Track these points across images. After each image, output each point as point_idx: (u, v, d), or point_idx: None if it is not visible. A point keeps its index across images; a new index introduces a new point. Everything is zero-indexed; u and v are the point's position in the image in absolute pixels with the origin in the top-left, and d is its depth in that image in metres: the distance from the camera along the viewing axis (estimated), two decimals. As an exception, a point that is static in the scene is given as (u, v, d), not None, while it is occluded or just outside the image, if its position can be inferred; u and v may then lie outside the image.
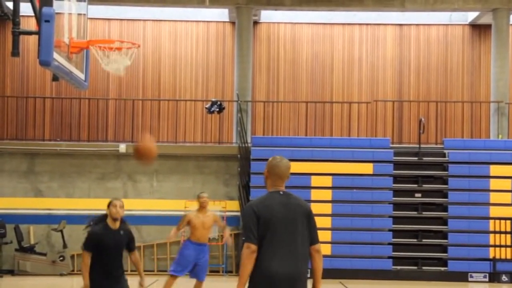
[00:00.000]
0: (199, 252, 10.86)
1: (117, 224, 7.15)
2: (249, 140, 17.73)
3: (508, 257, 16.26)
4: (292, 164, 18.13)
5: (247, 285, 4.93)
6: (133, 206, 17.40)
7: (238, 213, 17.12)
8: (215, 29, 19.55)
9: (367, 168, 17.01)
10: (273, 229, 4.87)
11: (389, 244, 16.55)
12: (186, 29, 19.55)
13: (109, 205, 7.19)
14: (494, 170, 16.93)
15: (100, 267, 7.04)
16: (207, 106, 17.42)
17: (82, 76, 11.72)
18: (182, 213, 17.15)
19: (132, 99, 18.90)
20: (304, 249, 4.94)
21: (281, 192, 5.06)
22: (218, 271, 17.08)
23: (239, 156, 17.20)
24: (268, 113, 18.94)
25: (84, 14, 11.57)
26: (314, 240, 4.98)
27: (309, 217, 5.01)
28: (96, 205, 17.45)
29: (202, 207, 10.89)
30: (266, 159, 18.01)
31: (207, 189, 17.71)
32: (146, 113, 19.08)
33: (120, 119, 19.04)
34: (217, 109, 17.18)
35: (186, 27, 19.55)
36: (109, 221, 7.10)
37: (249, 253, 4.85)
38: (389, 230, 16.69)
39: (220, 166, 17.73)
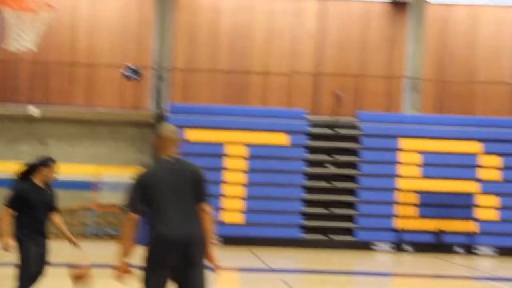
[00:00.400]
0: None
1: (44, 184, 6.85)
2: (166, 107, 17.73)
3: (413, 228, 16.91)
4: (208, 132, 18.37)
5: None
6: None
7: None
8: (135, -7, 19.36)
9: (282, 139, 17.32)
10: (160, 195, 4.92)
11: (300, 213, 16.96)
12: (105, -8, 19.31)
13: (47, 165, 6.76)
14: (405, 143, 17.48)
15: (28, 225, 6.72)
16: (124, 71, 17.33)
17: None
18: (95, 178, 17.20)
19: (45, 62, 18.61)
20: (195, 212, 4.98)
21: (170, 159, 5.07)
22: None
23: (154, 123, 17.14)
24: (186, 81, 18.92)
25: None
26: (201, 200, 5.02)
27: (200, 182, 5.04)
28: (5, 168, 17.33)
29: None
30: (183, 127, 17.83)
31: (121, 155, 17.70)
32: (60, 76, 18.72)
33: (33, 82, 18.71)
34: (134, 75, 17.18)
35: (104, -11, 19.31)
36: (37, 179, 6.77)
37: (130, 221, 4.94)
38: (301, 200, 17.11)
39: (135, 133, 17.71)
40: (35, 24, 13.37)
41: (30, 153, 17.39)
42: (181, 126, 16.95)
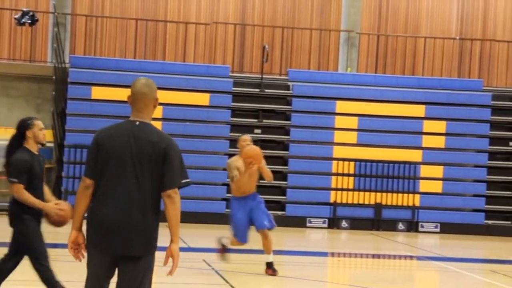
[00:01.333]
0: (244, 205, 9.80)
1: (37, 148, 6.85)
2: (66, 59, 17.16)
3: (349, 201, 16.57)
4: (117, 90, 17.43)
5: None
6: None
7: (52, 144, 16.62)
8: None
9: (203, 99, 16.82)
10: (110, 165, 4.62)
11: (223, 184, 16.32)
12: None
13: (29, 126, 6.73)
14: (340, 106, 17.14)
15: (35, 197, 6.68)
16: (16, 16, 16.49)
17: None
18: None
19: None
20: (146, 194, 4.60)
21: (137, 123, 4.68)
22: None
23: (54, 78, 16.62)
24: (91, 30, 18.23)
25: None
26: (165, 184, 4.61)
27: (165, 157, 4.61)
28: None
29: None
30: (86, 83, 17.31)
31: (15, 114, 16.67)
32: None
33: None
34: (29, 21, 16.36)
35: None
36: (30, 146, 6.73)
37: (83, 187, 4.68)
38: (224, 169, 16.51)
39: (31, 89, 17.16)
40: None
41: None
42: (84, 83, 16.61)
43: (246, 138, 10.01)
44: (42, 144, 6.84)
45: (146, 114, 4.73)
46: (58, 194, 15.79)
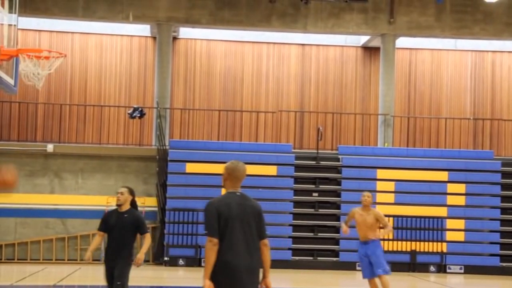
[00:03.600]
0: (366, 250, 9.52)
1: (122, 209, 7.23)
2: (167, 143, 17.54)
3: (389, 249, 16.49)
4: (206, 165, 18.15)
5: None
6: (59, 201, 17.03)
7: (156, 209, 16.98)
8: (138, 43, 19.26)
9: (272, 170, 17.09)
10: (231, 225, 4.91)
11: (289, 237, 16.71)
12: (111, 42, 19.17)
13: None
14: (380, 173, 17.27)
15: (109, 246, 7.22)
16: (129, 111, 17.21)
17: (11, 81, 11.39)
18: (105, 208, 16.86)
19: (60, 104, 18.37)
20: (256, 243, 4.98)
21: (237, 193, 5.09)
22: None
23: (157, 157, 17.03)
24: (184, 119, 18.81)
25: (15, 25, 11.24)
26: (262, 235, 5.04)
27: (260, 216, 5.06)
28: (24, 200, 16.99)
29: (364, 205, 9.49)
30: (183, 161, 17.90)
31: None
32: (73, 116, 18.59)
33: (48, 122, 18.49)
34: (139, 115, 17.01)
35: (111, 40, 19.17)
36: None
37: (212, 245, 4.87)
38: (289, 225, 16.85)
39: (140, 166, 17.50)
40: (49, 67, 13.18)
41: (46, 185, 17.15)
42: (180, 160, 16.98)
43: (366, 193, 9.69)
44: (118, 205, 7.25)
45: (239, 186, 5.15)
46: (161, 248, 16.31)
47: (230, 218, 4.93)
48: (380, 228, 9.74)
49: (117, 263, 7.04)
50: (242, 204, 5.01)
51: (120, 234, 7.09)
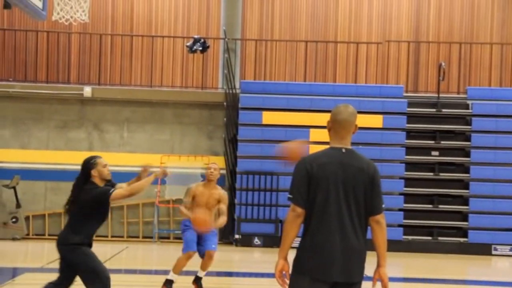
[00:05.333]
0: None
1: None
2: (237, 85, 17.65)
3: None
4: (289, 114, 18.12)
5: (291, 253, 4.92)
6: (100, 160, 17.23)
7: (223, 171, 17.06)
8: (199, -48, 19.16)
9: (376, 121, 17.00)
10: (326, 193, 4.82)
11: (400, 210, 16.52)
12: (165, -48, 19.15)
13: (93, 166, 7.22)
14: None
15: (92, 229, 7.24)
16: (188, 44, 17.27)
17: (39, 3, 11.37)
18: (157, 169, 16.99)
19: (99, 34, 18.55)
20: (361, 220, 4.87)
21: (343, 150, 4.92)
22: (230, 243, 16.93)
23: (225, 104, 17.19)
24: (260, 54, 18.78)
25: None
26: (374, 209, 4.88)
27: (373, 184, 4.89)
28: (55, 158, 17.33)
29: (209, 180, 9.96)
30: (257, 108, 17.97)
31: (188, 142, 17.66)
32: (116, 51, 18.78)
33: (85, 58, 18.74)
34: (200, 48, 17.08)
35: (164, -51, 19.15)
36: (97, 181, 7.21)
37: (295, 216, 4.84)
38: (400, 194, 16.69)
39: (203, 116, 17.70)
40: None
41: (83, 140, 17.45)
42: (255, 108, 17.07)
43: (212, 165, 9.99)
44: (108, 181, 7.19)
45: (348, 140, 4.97)
46: (231, 221, 16.43)
47: (325, 184, 4.82)
48: None
49: None
50: (347, 166, 4.85)
51: None
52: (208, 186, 9.87)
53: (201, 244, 9.83)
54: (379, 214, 4.87)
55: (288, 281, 4.86)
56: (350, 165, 4.85)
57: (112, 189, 7.14)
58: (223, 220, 9.76)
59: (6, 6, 9.94)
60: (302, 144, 5.69)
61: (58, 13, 12.96)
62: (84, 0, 14.25)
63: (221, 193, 9.97)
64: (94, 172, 7.17)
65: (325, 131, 15.24)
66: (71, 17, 14.91)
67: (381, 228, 4.88)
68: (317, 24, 19.12)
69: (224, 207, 9.93)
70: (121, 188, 7.30)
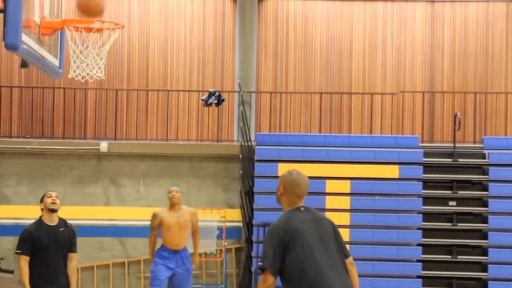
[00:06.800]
0: (177, 260, 10.76)
1: (55, 219, 7.24)
2: (252, 138, 17.72)
3: None
4: (304, 166, 18.20)
5: None
6: (116, 215, 17.41)
7: (240, 224, 17.15)
8: (213, 6, 19.51)
9: (392, 172, 16.96)
10: (308, 249, 5.10)
11: (418, 261, 16.51)
12: (179, 6, 19.51)
13: (42, 198, 7.38)
14: None
15: (39, 271, 7.12)
16: (203, 97, 17.45)
17: (56, 62, 11.72)
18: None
19: (115, 89, 18.85)
20: (342, 263, 5.21)
21: (302, 209, 5.37)
22: (216, 293, 17.07)
23: (241, 156, 17.20)
24: (275, 106, 18.97)
25: (59, -10, 11.55)
26: (346, 252, 5.32)
27: (335, 230, 5.34)
28: (72, 214, 17.46)
29: (172, 204, 10.93)
30: (273, 160, 18.00)
31: (204, 194, 17.68)
32: (132, 106, 19.04)
33: (101, 113, 18.99)
34: (215, 101, 17.25)
35: (178, 3, 19.52)
36: (44, 216, 7.21)
37: (265, 284, 5.10)
38: (418, 245, 16.67)
39: (219, 169, 17.71)
40: (103, 47, 13.47)
41: (99, 195, 17.58)
42: (271, 160, 17.09)
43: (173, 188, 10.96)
44: (52, 210, 7.18)
45: (301, 203, 5.48)
46: (248, 274, 16.49)
47: (304, 241, 5.11)
48: None
49: None
50: (312, 220, 5.25)
51: None
52: (173, 209, 10.47)
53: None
54: (351, 256, 5.31)
55: None
56: (313, 218, 5.30)
57: (22, 251, 7.13)
58: (198, 236, 10.49)
59: (24, 65, 10.34)
60: None
61: (74, 71, 13.38)
62: (100, 58, 14.69)
63: (190, 210, 10.66)
64: (41, 206, 7.34)
65: (342, 182, 15.59)
66: (87, 74, 15.35)
67: (355, 268, 5.33)
68: (331, 76, 19.32)
69: (196, 223, 10.64)
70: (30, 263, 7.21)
